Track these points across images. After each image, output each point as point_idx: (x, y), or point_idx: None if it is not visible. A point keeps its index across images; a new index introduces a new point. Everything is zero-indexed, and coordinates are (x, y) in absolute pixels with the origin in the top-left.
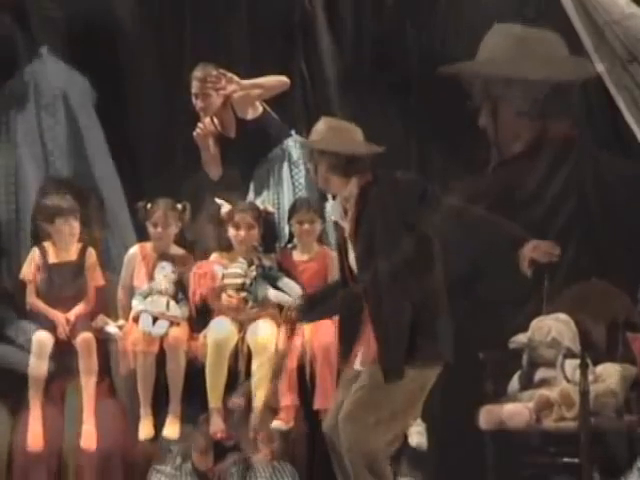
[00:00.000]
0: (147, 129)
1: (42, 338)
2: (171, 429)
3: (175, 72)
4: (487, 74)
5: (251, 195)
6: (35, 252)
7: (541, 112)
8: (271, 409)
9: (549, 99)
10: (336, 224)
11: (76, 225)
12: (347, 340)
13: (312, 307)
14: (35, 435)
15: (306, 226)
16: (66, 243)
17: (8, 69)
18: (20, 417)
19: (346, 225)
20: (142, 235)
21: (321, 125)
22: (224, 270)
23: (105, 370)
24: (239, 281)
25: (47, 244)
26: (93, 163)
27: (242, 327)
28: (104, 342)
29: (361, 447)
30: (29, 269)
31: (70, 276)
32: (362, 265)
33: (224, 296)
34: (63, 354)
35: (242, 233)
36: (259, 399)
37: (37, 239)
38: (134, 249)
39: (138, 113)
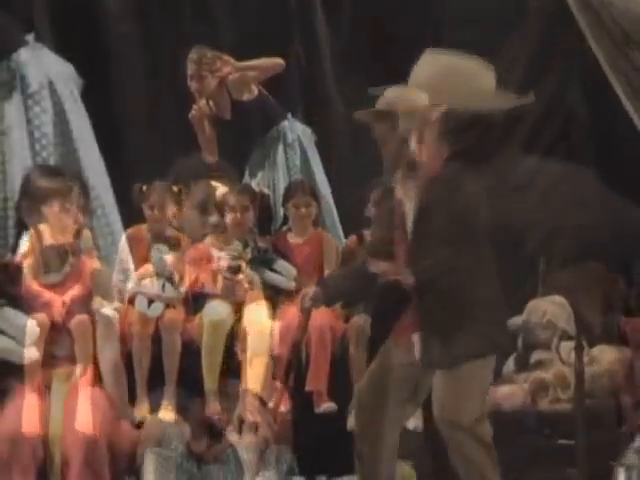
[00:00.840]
0: (133, 115)
1: (35, 323)
2: (166, 411)
3: (161, 57)
4: (409, 103)
5: (246, 177)
6: (31, 234)
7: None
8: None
9: (469, 128)
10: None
11: (71, 207)
12: (381, 327)
13: (333, 293)
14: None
15: (302, 210)
16: (62, 225)
17: None
18: (5, 405)
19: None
20: (128, 221)
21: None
22: (219, 253)
23: (90, 356)
24: (235, 263)
25: (43, 226)
26: (79, 150)
27: (238, 309)
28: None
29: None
30: (25, 251)
31: (65, 258)
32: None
33: (220, 278)
34: (50, 341)
35: (238, 216)
36: (254, 383)
37: (23, 225)
38: (130, 231)
39: (124, 100)
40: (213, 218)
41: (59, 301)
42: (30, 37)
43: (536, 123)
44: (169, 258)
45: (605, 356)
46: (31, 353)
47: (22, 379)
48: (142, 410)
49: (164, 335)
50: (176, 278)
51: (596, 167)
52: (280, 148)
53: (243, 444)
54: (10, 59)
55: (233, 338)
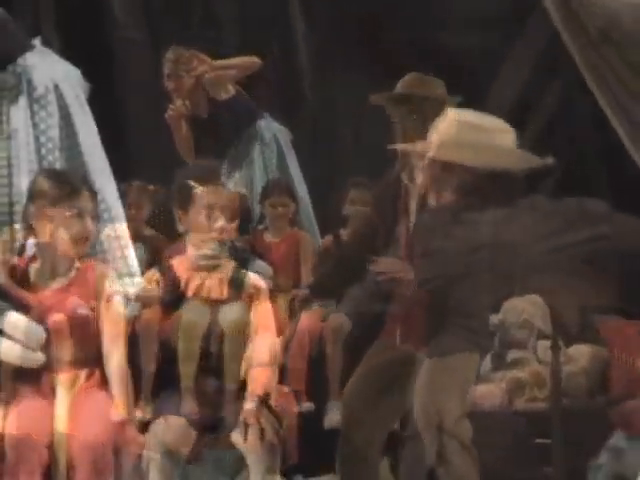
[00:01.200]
0: (139, 120)
1: (40, 327)
2: (143, 410)
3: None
4: (430, 155)
5: (223, 177)
6: (38, 238)
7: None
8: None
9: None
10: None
11: (80, 212)
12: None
13: (325, 291)
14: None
15: (279, 209)
16: (70, 229)
17: (1, 61)
18: (11, 409)
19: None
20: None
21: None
22: (197, 252)
23: (97, 360)
24: (212, 263)
25: (50, 231)
26: (86, 154)
27: (214, 309)
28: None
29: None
30: (31, 255)
31: (72, 262)
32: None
33: (198, 278)
34: (55, 345)
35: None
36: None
37: (30, 228)
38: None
39: (131, 105)
40: (220, 222)
41: (65, 305)
42: (36, 41)
43: (541, 131)
44: (174, 262)
45: (581, 355)
46: (36, 357)
47: (27, 383)
48: (120, 409)
49: (141, 335)
50: (182, 283)
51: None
52: (257, 147)
53: (248, 448)
54: (16, 63)
55: (209, 338)
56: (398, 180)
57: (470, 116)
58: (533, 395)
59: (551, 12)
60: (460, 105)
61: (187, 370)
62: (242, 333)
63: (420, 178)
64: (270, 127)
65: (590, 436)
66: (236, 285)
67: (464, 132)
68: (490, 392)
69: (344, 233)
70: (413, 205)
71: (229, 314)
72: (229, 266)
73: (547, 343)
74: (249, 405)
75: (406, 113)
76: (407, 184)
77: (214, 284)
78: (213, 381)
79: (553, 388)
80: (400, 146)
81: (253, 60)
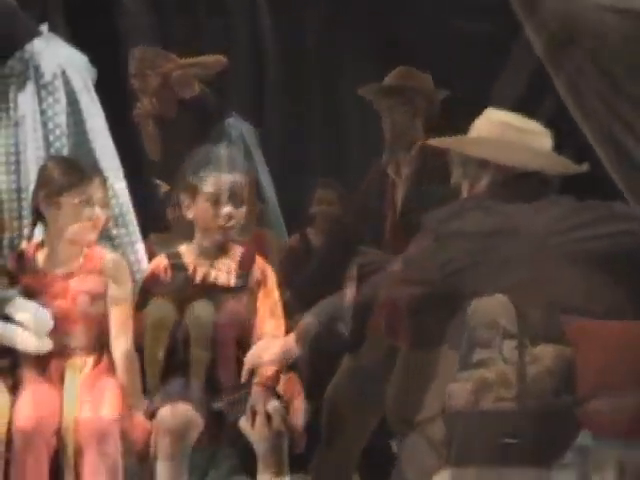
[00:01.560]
0: None
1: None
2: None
3: (176, 49)
4: (467, 153)
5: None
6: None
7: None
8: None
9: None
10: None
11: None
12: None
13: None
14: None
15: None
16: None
17: (8, 48)
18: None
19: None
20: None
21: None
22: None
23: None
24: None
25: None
26: (93, 141)
27: (181, 307)
28: (104, 317)
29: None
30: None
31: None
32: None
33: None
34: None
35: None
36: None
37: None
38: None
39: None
40: (227, 209)
41: (73, 292)
42: (44, 28)
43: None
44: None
45: (546, 355)
46: (44, 343)
47: (35, 369)
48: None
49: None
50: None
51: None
52: (224, 146)
53: (256, 436)
54: (24, 50)
55: (176, 335)
56: (384, 174)
57: (509, 117)
58: (500, 395)
59: (519, 15)
60: (463, 94)
61: (152, 369)
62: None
63: (406, 170)
64: (237, 126)
65: (557, 436)
66: (244, 272)
67: (503, 131)
68: (457, 392)
69: (311, 232)
70: (399, 199)
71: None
72: (237, 252)
73: (513, 343)
74: (256, 392)
75: (397, 105)
76: (394, 178)
77: (222, 271)
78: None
79: (519, 388)
80: (434, 142)
81: (219, 58)
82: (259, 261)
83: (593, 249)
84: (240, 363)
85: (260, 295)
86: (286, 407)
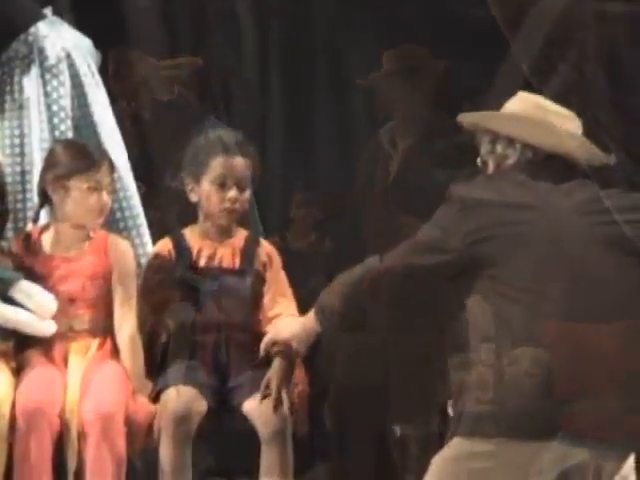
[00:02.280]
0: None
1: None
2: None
3: (181, 33)
4: (496, 130)
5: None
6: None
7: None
8: None
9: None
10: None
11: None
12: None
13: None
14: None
15: None
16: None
17: (13, 31)
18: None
19: None
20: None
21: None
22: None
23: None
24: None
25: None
26: (98, 125)
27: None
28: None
29: None
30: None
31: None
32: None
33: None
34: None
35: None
36: None
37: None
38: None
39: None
40: (232, 192)
41: (78, 275)
42: (48, 11)
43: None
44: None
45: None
46: (49, 326)
47: (39, 352)
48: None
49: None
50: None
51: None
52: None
53: (260, 420)
54: (28, 33)
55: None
56: (379, 145)
57: (541, 99)
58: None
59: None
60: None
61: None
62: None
63: (403, 144)
64: (216, 128)
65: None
66: (249, 254)
67: (535, 112)
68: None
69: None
70: (393, 171)
71: None
72: (241, 235)
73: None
74: (277, 365)
75: (397, 83)
76: (389, 150)
77: (226, 253)
78: (227, 352)
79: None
80: (464, 116)
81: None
82: (264, 244)
83: (620, 235)
84: (245, 347)
85: (268, 277)
86: (290, 392)
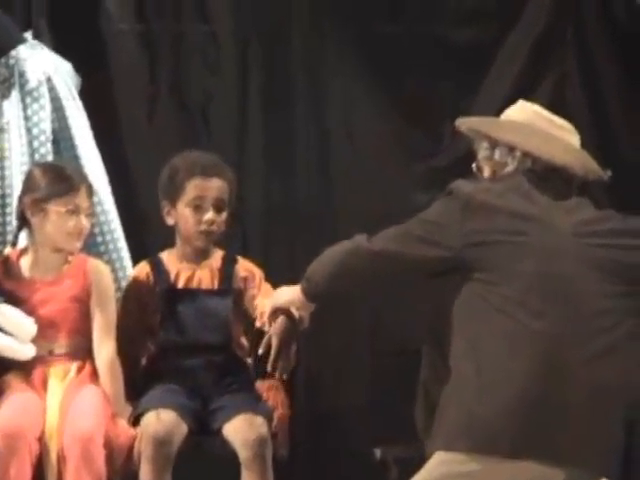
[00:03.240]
0: (131, 114)
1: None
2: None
3: (161, 56)
4: (497, 137)
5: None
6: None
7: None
8: None
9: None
10: None
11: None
12: None
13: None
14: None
15: None
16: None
17: None
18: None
19: None
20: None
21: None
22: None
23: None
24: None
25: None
26: (78, 147)
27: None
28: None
29: None
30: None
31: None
32: None
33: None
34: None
35: None
36: None
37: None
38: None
39: (123, 98)
40: (208, 214)
41: (57, 299)
42: (28, 34)
43: None
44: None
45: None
46: (29, 350)
47: (20, 376)
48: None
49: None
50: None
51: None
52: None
53: (239, 443)
54: (9, 56)
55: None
56: None
57: (542, 109)
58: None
59: None
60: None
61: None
62: None
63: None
64: (191, 151)
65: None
66: (227, 273)
67: (536, 121)
68: None
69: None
70: None
71: None
72: (219, 255)
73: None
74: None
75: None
76: None
77: (205, 275)
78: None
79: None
80: (464, 121)
81: None
82: (241, 261)
83: (613, 258)
84: (225, 370)
85: (252, 287)
86: (270, 416)
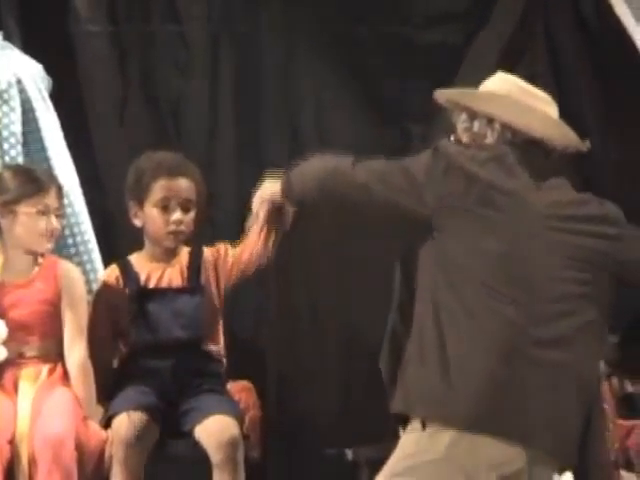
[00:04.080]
0: (102, 116)
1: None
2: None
3: (131, 57)
4: (476, 108)
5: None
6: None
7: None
8: None
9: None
10: None
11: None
12: None
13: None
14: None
15: None
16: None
17: None
18: None
19: None
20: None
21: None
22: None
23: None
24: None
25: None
26: (48, 149)
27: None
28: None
29: None
30: None
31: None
32: None
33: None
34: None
35: None
36: None
37: None
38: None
39: (93, 100)
40: (176, 214)
41: (28, 301)
42: None
43: None
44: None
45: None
46: None
47: None
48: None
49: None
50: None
51: None
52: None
53: (211, 445)
54: None
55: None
56: None
57: (520, 80)
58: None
59: None
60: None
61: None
62: None
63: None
64: (156, 152)
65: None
66: (194, 269)
67: (515, 92)
68: None
69: None
70: None
71: None
72: (185, 252)
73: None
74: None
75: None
76: None
77: (174, 273)
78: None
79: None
80: (443, 93)
81: None
82: (206, 250)
83: (582, 244)
84: (196, 371)
85: (224, 263)
86: (242, 417)
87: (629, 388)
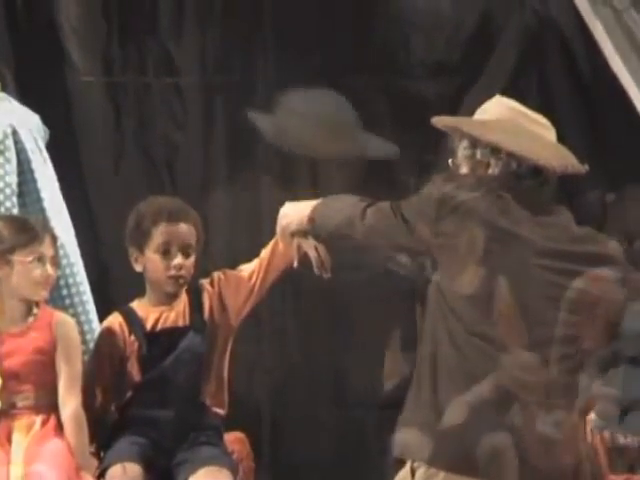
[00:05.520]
0: (99, 166)
1: None
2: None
3: (127, 108)
4: (479, 137)
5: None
6: None
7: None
8: None
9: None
10: None
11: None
12: None
13: None
14: None
15: None
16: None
17: None
18: None
19: None
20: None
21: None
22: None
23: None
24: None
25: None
26: (44, 201)
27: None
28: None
29: None
30: None
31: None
32: None
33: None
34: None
35: None
36: None
37: None
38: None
39: (90, 151)
40: (177, 259)
41: (22, 351)
42: None
43: None
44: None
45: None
46: None
47: None
48: None
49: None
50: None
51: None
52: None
53: None
54: None
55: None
56: None
57: (517, 105)
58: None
59: None
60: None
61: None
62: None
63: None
64: (156, 197)
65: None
66: (195, 304)
67: (520, 120)
68: None
69: None
70: None
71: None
72: (185, 295)
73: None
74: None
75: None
76: None
77: (178, 313)
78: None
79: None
80: (445, 120)
81: None
82: (205, 283)
83: (573, 287)
84: (192, 423)
85: (227, 277)
86: (235, 468)
87: (621, 440)
